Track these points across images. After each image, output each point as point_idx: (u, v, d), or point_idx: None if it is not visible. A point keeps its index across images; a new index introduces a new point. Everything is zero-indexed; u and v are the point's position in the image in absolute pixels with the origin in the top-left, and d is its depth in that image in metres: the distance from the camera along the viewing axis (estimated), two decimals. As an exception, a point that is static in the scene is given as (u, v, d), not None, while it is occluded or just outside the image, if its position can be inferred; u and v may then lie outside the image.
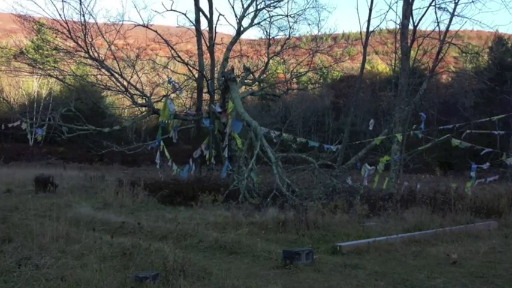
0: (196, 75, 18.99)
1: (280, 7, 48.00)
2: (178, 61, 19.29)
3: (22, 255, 5.38)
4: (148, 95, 18.37)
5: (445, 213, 9.79)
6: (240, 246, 6.81)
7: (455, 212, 9.86)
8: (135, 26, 18.71)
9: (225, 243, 6.95)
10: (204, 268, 5.25)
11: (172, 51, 18.55)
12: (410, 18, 15.16)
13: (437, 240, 7.66)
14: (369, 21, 16.41)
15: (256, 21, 19.93)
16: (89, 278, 4.54)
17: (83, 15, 16.65)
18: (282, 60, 21.41)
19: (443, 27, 16.13)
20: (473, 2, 15.68)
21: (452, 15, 15.23)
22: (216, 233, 7.60)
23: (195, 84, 19.96)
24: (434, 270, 5.83)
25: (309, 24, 48.49)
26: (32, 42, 21.64)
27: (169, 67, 20.63)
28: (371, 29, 17.06)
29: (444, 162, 28.96)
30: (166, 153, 17.16)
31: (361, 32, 18.89)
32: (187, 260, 5.19)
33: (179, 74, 22.31)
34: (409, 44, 15.05)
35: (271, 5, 19.90)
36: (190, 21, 19.31)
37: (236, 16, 19.91)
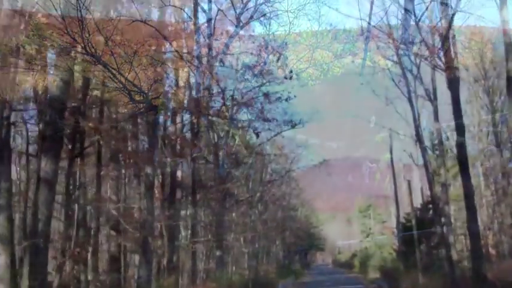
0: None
1: (280, 2, 47.58)
2: (177, 57, 18.98)
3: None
4: (146, 91, 18.07)
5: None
6: None
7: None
8: (133, 21, 18.36)
9: None
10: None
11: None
12: (413, 13, 14.92)
13: None
14: (370, 16, 16.17)
15: (255, 16, 19.61)
16: None
17: (80, 11, 16.32)
18: (282, 56, 21.06)
19: (445, 23, 15.85)
20: (476, -4, 15.40)
21: (455, 10, 14.97)
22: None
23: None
24: None
25: (309, 20, 48.11)
26: (28, 37, 21.30)
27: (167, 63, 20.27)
28: (372, 24, 16.81)
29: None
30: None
31: (362, 27, 18.62)
32: None
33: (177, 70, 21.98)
34: (411, 39, 14.81)
35: (271, -1, 19.55)
36: (189, 16, 19.01)
37: (235, 11, 19.56)
